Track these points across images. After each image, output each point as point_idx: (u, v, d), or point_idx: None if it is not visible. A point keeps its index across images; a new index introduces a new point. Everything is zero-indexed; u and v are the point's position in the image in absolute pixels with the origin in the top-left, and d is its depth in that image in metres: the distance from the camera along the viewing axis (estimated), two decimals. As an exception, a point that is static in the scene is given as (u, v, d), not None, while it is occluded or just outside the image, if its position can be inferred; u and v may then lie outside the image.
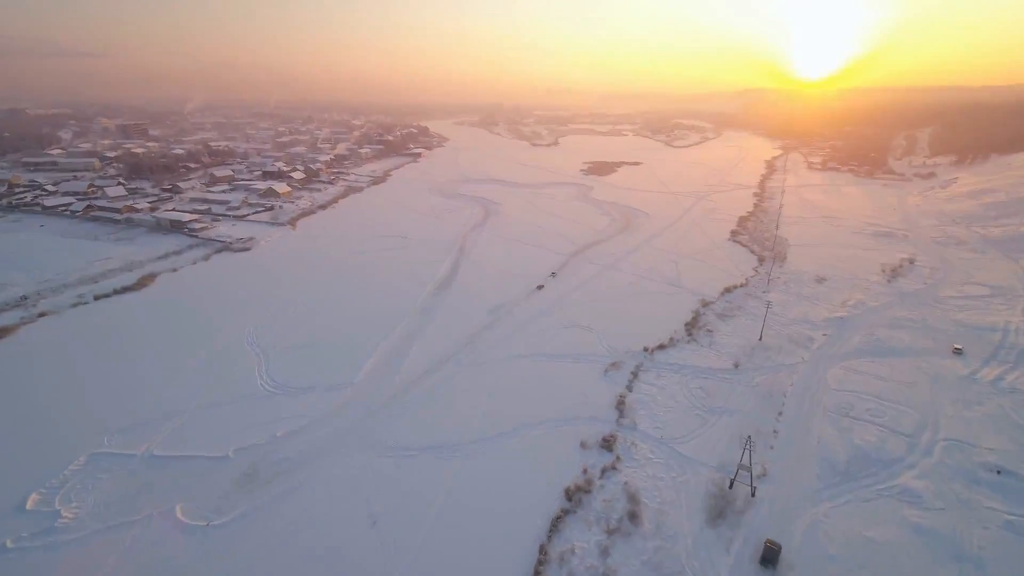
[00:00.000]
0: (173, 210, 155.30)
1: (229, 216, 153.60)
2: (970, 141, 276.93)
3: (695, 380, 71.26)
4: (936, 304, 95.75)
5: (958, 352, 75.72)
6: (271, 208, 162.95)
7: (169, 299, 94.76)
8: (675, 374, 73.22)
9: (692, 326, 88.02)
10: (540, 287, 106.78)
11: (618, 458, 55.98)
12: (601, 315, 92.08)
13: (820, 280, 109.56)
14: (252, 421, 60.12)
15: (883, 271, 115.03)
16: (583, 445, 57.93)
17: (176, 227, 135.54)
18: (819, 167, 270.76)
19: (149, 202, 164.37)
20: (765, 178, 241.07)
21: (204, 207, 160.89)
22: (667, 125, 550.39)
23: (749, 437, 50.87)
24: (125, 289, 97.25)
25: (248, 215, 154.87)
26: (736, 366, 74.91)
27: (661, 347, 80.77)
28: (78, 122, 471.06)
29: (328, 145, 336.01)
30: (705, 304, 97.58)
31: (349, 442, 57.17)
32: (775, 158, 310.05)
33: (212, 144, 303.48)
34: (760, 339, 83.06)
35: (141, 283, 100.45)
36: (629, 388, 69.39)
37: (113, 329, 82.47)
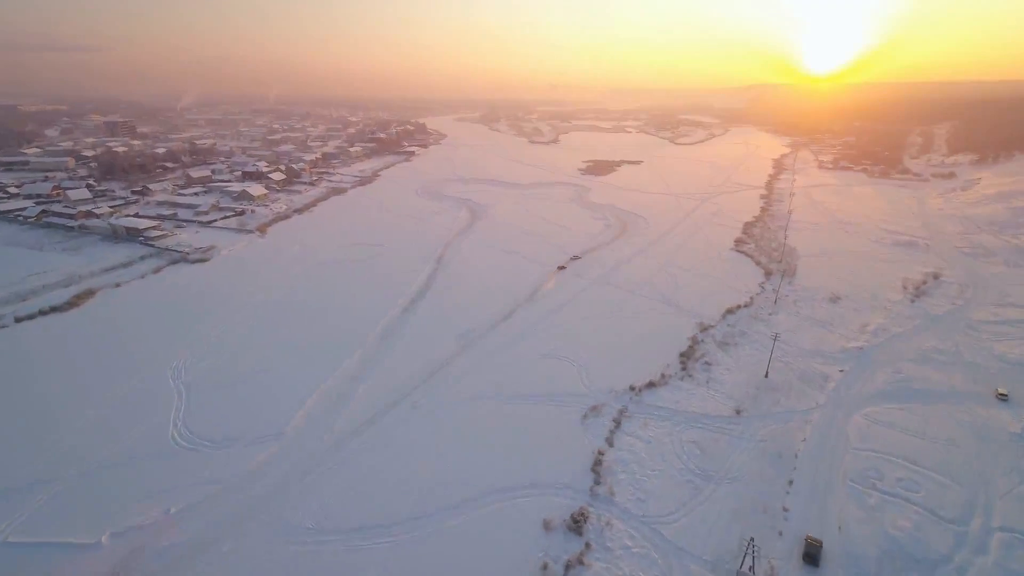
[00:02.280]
0: (136, 215, 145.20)
1: (195, 222, 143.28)
2: (991, 138, 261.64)
3: (688, 431, 60.01)
4: (969, 331, 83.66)
5: (1003, 398, 63.84)
6: (242, 213, 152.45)
7: (99, 322, 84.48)
8: (665, 422, 62.02)
9: (688, 357, 76.60)
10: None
11: (588, 546, 44.95)
12: (585, 342, 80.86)
13: (834, 299, 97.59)
14: (147, 489, 49.61)
15: (905, 288, 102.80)
16: (547, 525, 46.94)
17: (132, 235, 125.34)
18: (830, 166, 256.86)
19: (113, 205, 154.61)
20: (773, 178, 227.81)
21: (170, 211, 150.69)
22: (672, 121, 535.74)
23: (751, 540, 39.58)
24: (53, 309, 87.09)
25: (215, 220, 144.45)
26: (738, 412, 63.54)
27: (651, 385, 69.48)
28: (71, 118, 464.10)
29: (319, 143, 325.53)
30: (704, 329, 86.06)
31: (257, 522, 46.48)
32: (783, 156, 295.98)
33: (197, 142, 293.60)
34: (766, 376, 71.59)
35: (74, 302, 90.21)
36: (609, 442, 58.27)
37: (20, 361, 72.21)
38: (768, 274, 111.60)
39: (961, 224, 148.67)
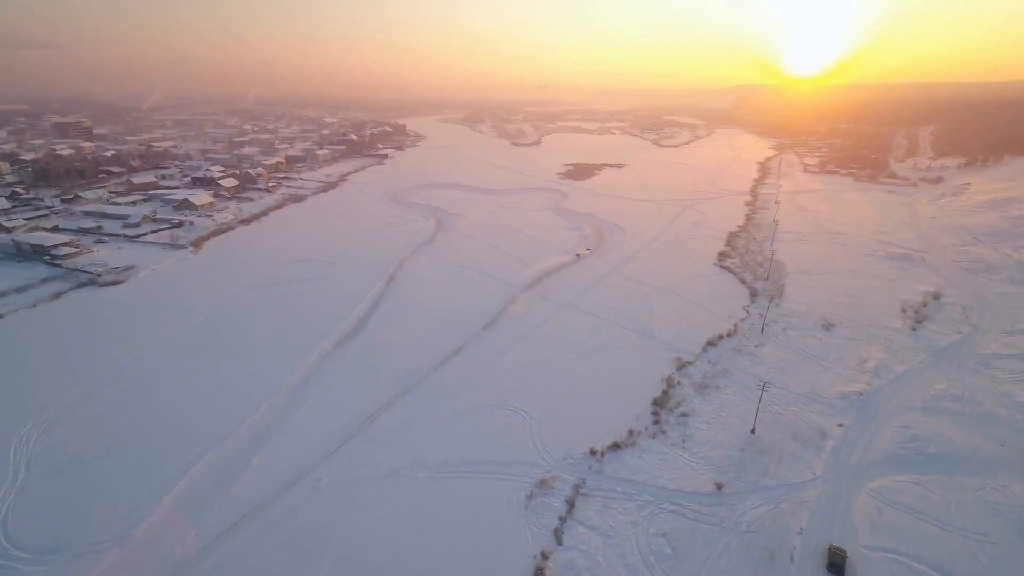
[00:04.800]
0: (55, 228, 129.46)
1: (120, 235, 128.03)
2: (978, 141, 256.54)
3: (658, 517, 47.88)
4: (981, 368, 73.07)
5: (1037, 466, 52.97)
6: (179, 224, 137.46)
7: (-45, 369, 69.91)
8: (630, 502, 49.87)
9: (661, 406, 64.70)
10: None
11: None
12: (543, 386, 68.58)
13: (828, 326, 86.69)
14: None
15: (904, 312, 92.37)
16: None
17: (37, 252, 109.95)
18: (816, 169, 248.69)
19: (31, 217, 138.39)
20: (758, 183, 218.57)
21: (96, 223, 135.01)
22: (657, 123, 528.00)
23: None
24: (-97, 353, 72.30)
25: (146, 234, 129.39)
26: (719, 487, 51.62)
27: (615, 447, 57.36)
28: (28, 119, 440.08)
29: (287, 145, 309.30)
30: (681, 366, 74.40)
31: None
32: (768, 159, 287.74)
33: (154, 144, 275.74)
34: (752, 431, 60.00)
35: (-65, 341, 75.49)
36: (558, 537, 45.86)
37: None
38: (754, 294, 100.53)
39: (956, 235, 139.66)
